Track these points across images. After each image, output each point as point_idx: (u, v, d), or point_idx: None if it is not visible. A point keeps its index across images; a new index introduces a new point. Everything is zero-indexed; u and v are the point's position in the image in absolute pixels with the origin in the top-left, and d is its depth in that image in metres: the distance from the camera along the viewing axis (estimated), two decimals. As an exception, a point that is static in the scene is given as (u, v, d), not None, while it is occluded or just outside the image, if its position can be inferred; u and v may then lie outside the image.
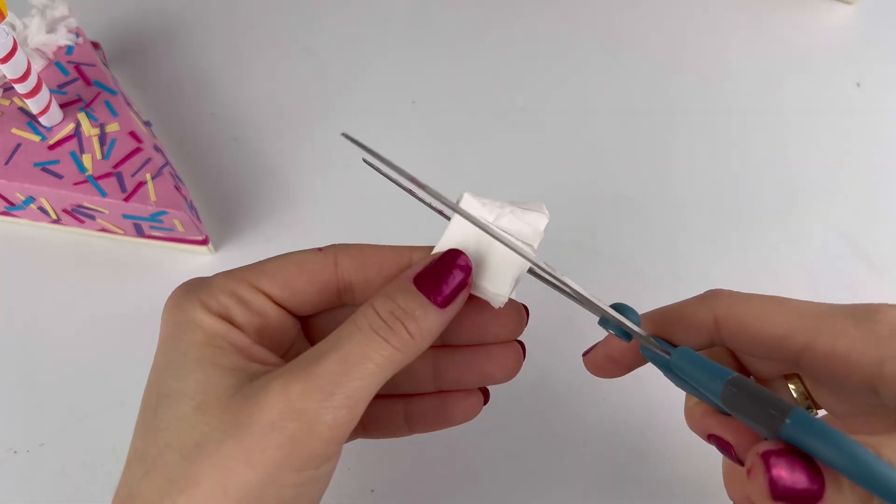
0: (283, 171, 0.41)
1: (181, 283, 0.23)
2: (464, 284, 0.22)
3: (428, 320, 0.21)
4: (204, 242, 0.37)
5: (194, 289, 0.22)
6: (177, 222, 0.35)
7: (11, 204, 0.37)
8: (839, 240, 0.38)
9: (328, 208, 0.40)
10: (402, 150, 0.42)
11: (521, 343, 0.25)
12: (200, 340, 0.21)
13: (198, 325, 0.21)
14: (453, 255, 0.22)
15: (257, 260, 0.39)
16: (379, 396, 0.25)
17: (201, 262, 0.38)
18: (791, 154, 0.41)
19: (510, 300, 0.23)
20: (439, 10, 0.47)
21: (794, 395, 0.24)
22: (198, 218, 0.37)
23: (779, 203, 0.40)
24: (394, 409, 0.26)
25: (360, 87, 0.44)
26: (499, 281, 0.22)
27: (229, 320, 0.22)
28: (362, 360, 0.20)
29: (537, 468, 0.32)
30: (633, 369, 0.26)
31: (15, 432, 0.34)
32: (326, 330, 0.25)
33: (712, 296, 0.23)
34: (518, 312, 0.25)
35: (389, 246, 0.23)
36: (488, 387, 0.26)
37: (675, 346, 0.22)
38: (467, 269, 0.22)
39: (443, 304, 0.21)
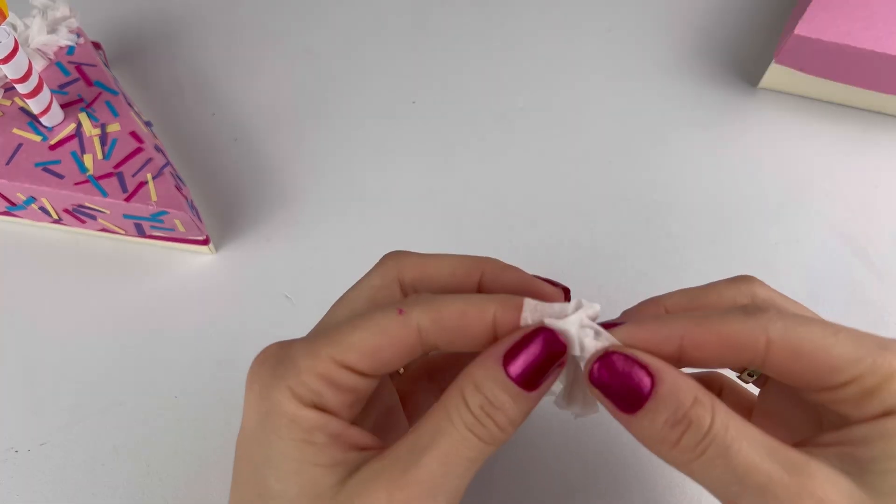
0: (283, 171, 0.41)
1: (260, 355, 0.22)
2: (560, 362, 0.20)
3: (518, 409, 0.20)
4: (205, 242, 0.37)
5: (280, 373, 0.21)
6: (178, 222, 0.36)
7: (12, 204, 0.37)
8: (839, 240, 0.38)
9: (328, 208, 0.40)
10: (403, 150, 0.42)
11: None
12: (299, 438, 0.20)
13: (293, 421, 0.20)
14: (547, 336, 0.20)
15: (254, 258, 0.39)
16: (448, 356, 0.26)
17: (202, 261, 0.38)
18: (791, 153, 0.41)
19: None
20: (439, 10, 0.47)
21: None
22: (198, 218, 0.37)
23: (779, 203, 0.40)
24: (464, 359, 0.25)
25: (360, 87, 0.44)
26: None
27: (323, 407, 0.21)
28: (460, 461, 0.20)
29: (538, 469, 0.33)
30: None
31: (16, 431, 0.34)
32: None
33: (763, 314, 0.20)
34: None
35: (468, 300, 0.21)
36: None
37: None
38: (562, 351, 0.20)
39: (532, 388, 0.20)
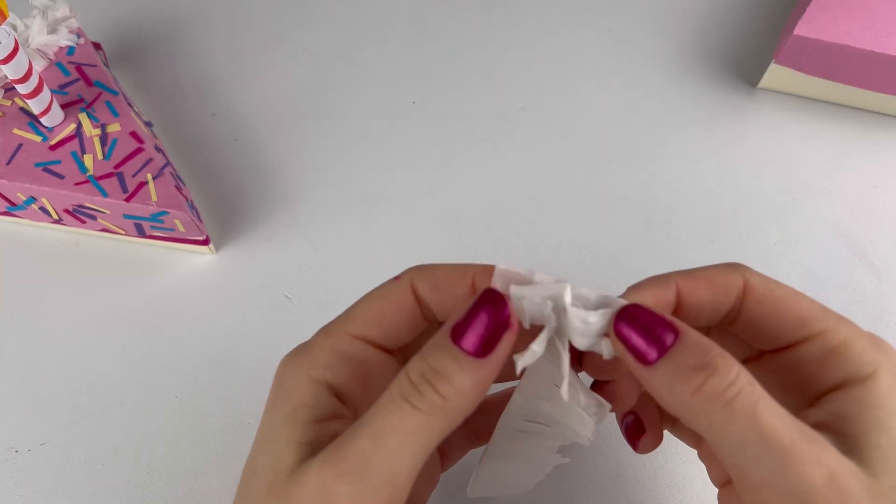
0: (283, 171, 0.41)
1: (289, 352, 0.23)
2: (505, 326, 0.20)
3: (464, 376, 0.19)
4: (205, 242, 0.37)
5: (299, 354, 0.22)
6: (178, 222, 0.36)
7: (13, 204, 0.37)
8: (839, 240, 0.38)
9: (328, 208, 0.40)
10: (403, 150, 0.42)
11: None
12: (286, 412, 0.21)
13: (289, 395, 0.21)
14: (489, 295, 0.20)
15: (254, 258, 0.39)
16: (492, 404, 0.26)
17: (202, 262, 0.38)
18: (791, 153, 0.41)
19: None
20: (439, 11, 0.47)
21: None
22: (199, 218, 0.37)
23: (779, 203, 0.40)
24: (499, 402, 0.26)
25: (360, 87, 0.44)
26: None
27: (334, 383, 0.21)
28: (393, 433, 0.19)
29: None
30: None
31: (16, 431, 0.34)
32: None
33: (742, 266, 0.22)
34: None
35: (454, 265, 0.23)
36: None
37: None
38: (504, 307, 0.20)
39: (482, 353, 0.19)
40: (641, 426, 0.26)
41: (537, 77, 0.44)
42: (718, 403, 0.18)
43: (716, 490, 0.25)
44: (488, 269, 0.22)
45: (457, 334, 0.20)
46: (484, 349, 0.19)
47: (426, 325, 0.24)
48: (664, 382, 0.19)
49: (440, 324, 0.23)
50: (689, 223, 0.39)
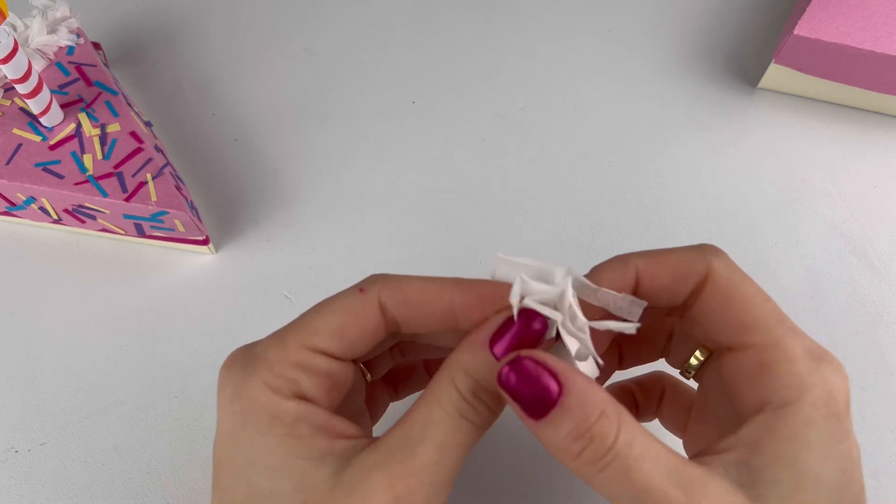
0: (283, 172, 0.41)
1: (227, 360, 0.22)
2: (541, 340, 0.20)
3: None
4: (205, 242, 0.37)
5: (251, 370, 0.21)
6: (177, 222, 0.36)
7: (12, 204, 0.37)
8: (839, 240, 0.38)
9: (328, 208, 0.40)
10: (403, 150, 0.42)
11: None
12: (281, 433, 0.20)
13: (274, 416, 0.20)
14: (526, 312, 0.20)
15: (254, 258, 0.39)
16: (403, 361, 0.27)
17: (202, 261, 0.38)
18: (790, 153, 0.41)
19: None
20: (439, 11, 0.47)
21: (693, 362, 0.25)
22: (198, 218, 0.37)
23: (778, 203, 0.40)
24: (417, 364, 0.27)
25: (360, 87, 0.44)
26: None
27: (302, 395, 0.21)
28: (455, 447, 0.20)
29: (539, 470, 0.33)
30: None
31: (16, 431, 0.34)
32: (370, 354, 0.25)
33: (711, 250, 0.22)
34: None
35: (427, 280, 0.22)
36: None
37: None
38: (543, 329, 0.20)
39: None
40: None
41: (537, 77, 0.44)
42: (596, 468, 0.19)
43: None
44: (466, 284, 0.22)
45: (494, 346, 0.20)
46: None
47: (385, 336, 0.23)
48: (546, 440, 0.20)
49: (401, 334, 0.23)
50: (689, 223, 0.39)
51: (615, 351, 0.27)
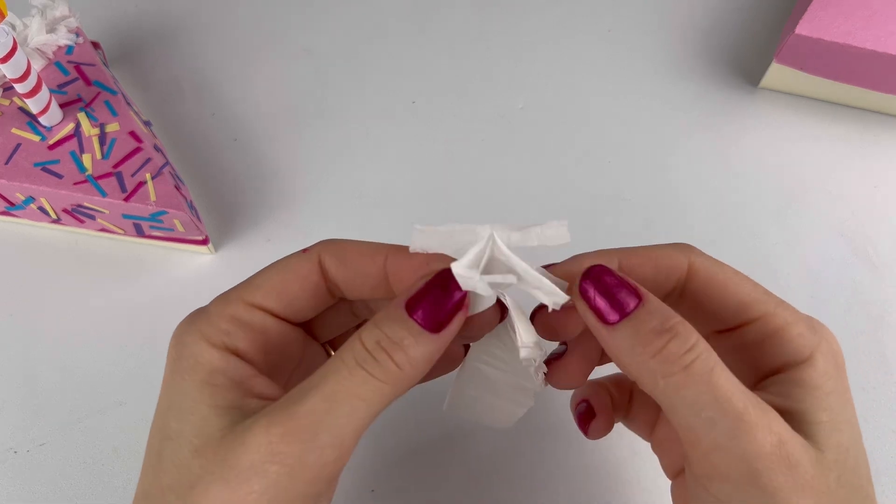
0: (283, 171, 0.41)
1: (183, 319, 0.22)
2: (459, 306, 0.21)
3: (419, 348, 0.20)
4: (204, 242, 0.37)
5: (195, 320, 0.22)
6: (177, 222, 0.35)
7: (11, 204, 0.37)
8: (839, 240, 0.38)
9: (328, 208, 0.40)
10: (403, 151, 0.42)
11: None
12: (200, 379, 0.21)
13: (197, 362, 0.21)
14: (445, 275, 0.21)
15: (254, 258, 0.39)
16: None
17: (201, 261, 0.38)
18: (791, 153, 0.41)
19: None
20: (439, 11, 0.47)
21: None
22: (198, 218, 0.37)
23: (779, 203, 0.40)
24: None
25: (360, 87, 0.44)
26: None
27: (233, 348, 0.21)
28: (347, 397, 0.19)
29: (539, 468, 0.32)
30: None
31: (15, 432, 0.34)
32: (331, 331, 0.26)
33: (687, 247, 0.23)
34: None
35: (367, 243, 0.23)
36: None
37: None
38: (458, 289, 0.21)
39: (436, 329, 0.20)
40: (592, 412, 0.27)
41: (537, 77, 0.44)
42: (678, 366, 0.19)
43: (669, 483, 0.26)
44: (401, 250, 0.22)
45: (411, 309, 0.20)
46: (438, 326, 0.20)
47: (331, 301, 0.24)
48: (625, 343, 0.20)
49: (346, 301, 0.24)
50: (689, 223, 0.39)
51: (596, 347, 0.26)
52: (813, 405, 0.20)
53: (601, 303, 0.20)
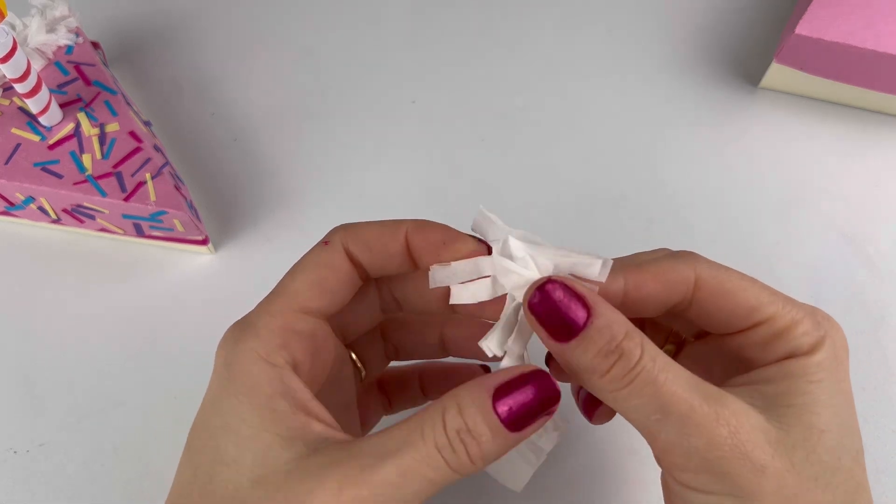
0: (283, 171, 0.41)
1: (226, 333, 0.22)
2: (549, 412, 0.20)
3: (494, 446, 0.20)
4: (204, 242, 0.37)
5: (241, 337, 0.21)
6: (177, 222, 0.35)
7: (11, 203, 0.37)
8: (839, 240, 0.38)
9: (328, 208, 0.40)
10: (403, 150, 0.42)
11: None
12: (260, 404, 0.20)
13: (255, 384, 0.20)
14: (545, 381, 0.20)
15: (254, 258, 0.39)
16: (399, 372, 0.27)
17: (201, 261, 0.38)
18: (791, 153, 0.41)
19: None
20: (439, 10, 0.47)
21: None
22: (198, 218, 0.37)
23: (779, 203, 0.40)
24: (412, 378, 0.27)
25: (360, 86, 0.44)
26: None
27: (291, 362, 0.21)
28: (419, 477, 0.19)
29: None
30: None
31: (15, 432, 0.34)
32: (357, 328, 0.26)
33: (692, 256, 0.23)
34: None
35: (382, 222, 0.23)
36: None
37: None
38: (556, 398, 0.20)
39: (516, 430, 0.20)
40: (596, 399, 0.26)
41: (538, 77, 0.44)
42: (623, 383, 0.20)
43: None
44: (418, 224, 0.22)
45: (497, 399, 0.20)
46: (518, 425, 0.20)
47: (359, 285, 0.24)
48: (574, 361, 0.21)
49: (374, 280, 0.24)
50: (689, 223, 0.39)
51: None
52: (788, 389, 0.21)
53: (551, 320, 0.20)
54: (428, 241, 0.22)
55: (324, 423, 0.21)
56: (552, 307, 0.20)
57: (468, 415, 0.20)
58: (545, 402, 0.20)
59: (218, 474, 0.20)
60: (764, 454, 0.19)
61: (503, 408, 0.20)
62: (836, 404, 0.21)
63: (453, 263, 0.22)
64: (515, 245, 0.21)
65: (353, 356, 0.27)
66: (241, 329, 0.22)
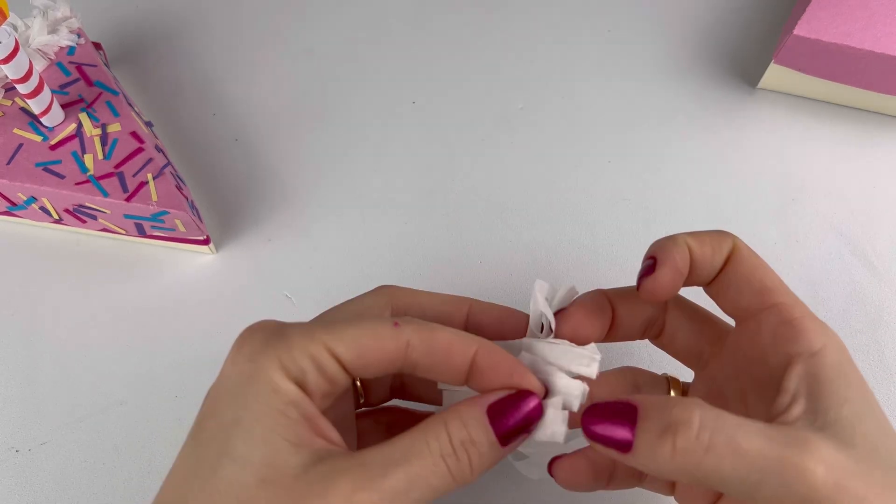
0: (283, 171, 0.41)
1: (255, 325, 0.22)
2: (528, 431, 0.22)
3: (489, 458, 0.21)
4: (205, 242, 0.37)
5: (273, 342, 0.21)
6: (178, 222, 0.36)
7: (13, 204, 0.37)
8: (839, 240, 0.38)
9: (328, 208, 0.40)
10: (403, 151, 0.42)
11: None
12: (275, 408, 0.20)
13: (275, 390, 0.21)
14: (529, 399, 0.22)
15: (255, 258, 0.39)
16: (414, 419, 0.27)
17: (203, 261, 0.38)
18: (790, 153, 0.41)
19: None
20: (440, 11, 0.47)
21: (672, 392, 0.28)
22: (199, 218, 0.37)
23: (778, 203, 0.40)
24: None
25: (360, 87, 0.44)
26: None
27: (303, 385, 0.21)
28: (423, 484, 0.20)
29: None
30: (615, 483, 0.26)
31: (16, 431, 0.34)
32: (374, 382, 0.27)
33: (730, 233, 0.25)
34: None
35: (457, 333, 0.23)
36: None
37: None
38: (538, 417, 0.22)
39: (504, 444, 0.22)
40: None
41: (537, 77, 0.45)
42: (699, 452, 0.19)
43: None
44: (492, 347, 0.23)
45: (491, 415, 0.22)
46: (507, 440, 0.22)
47: (399, 369, 0.23)
48: (646, 459, 0.20)
49: (413, 377, 0.25)
50: (689, 223, 0.39)
51: (608, 315, 0.27)
52: (833, 400, 0.21)
53: (609, 433, 0.21)
54: (496, 366, 0.23)
55: (329, 440, 0.21)
56: (605, 421, 0.21)
57: (471, 426, 0.21)
58: (529, 421, 0.22)
59: (223, 468, 0.20)
60: (856, 478, 0.19)
61: (497, 422, 0.21)
62: (870, 403, 0.21)
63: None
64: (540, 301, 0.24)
65: (358, 383, 0.28)
66: (276, 335, 0.22)
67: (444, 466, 0.21)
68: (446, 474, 0.21)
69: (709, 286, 0.25)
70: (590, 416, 0.21)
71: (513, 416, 0.22)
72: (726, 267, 0.24)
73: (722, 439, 0.19)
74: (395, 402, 0.29)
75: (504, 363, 0.23)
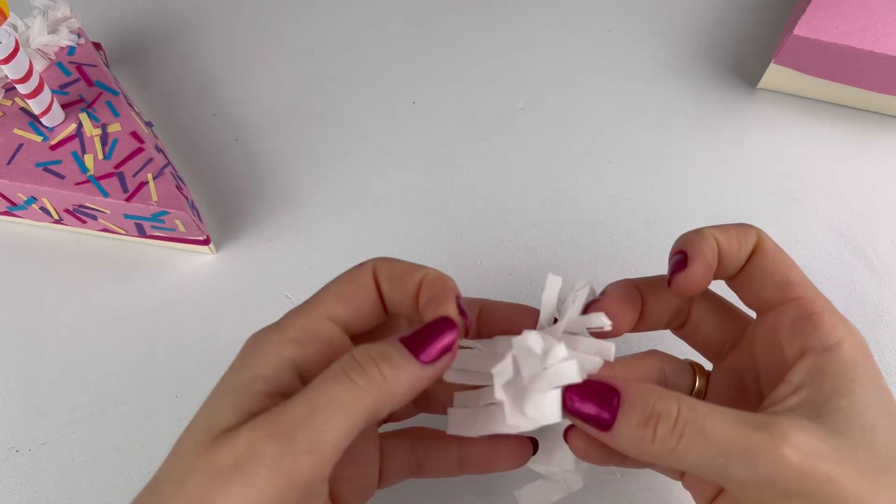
0: (283, 172, 0.41)
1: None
2: (448, 347, 0.22)
3: (404, 368, 0.21)
4: (205, 242, 0.37)
5: (267, 331, 0.23)
6: (178, 222, 0.36)
7: (13, 204, 0.37)
8: (839, 240, 0.38)
9: (328, 208, 0.40)
10: (403, 151, 0.42)
11: (532, 440, 0.27)
12: (240, 381, 0.22)
13: (246, 367, 0.22)
14: (444, 322, 0.22)
15: (255, 258, 0.39)
16: (436, 438, 0.27)
17: (203, 262, 0.38)
18: (790, 154, 0.41)
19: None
20: (439, 11, 0.47)
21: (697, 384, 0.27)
22: (199, 218, 0.37)
23: (777, 203, 0.40)
24: (448, 450, 0.27)
25: (360, 87, 0.44)
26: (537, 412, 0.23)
27: (300, 359, 0.22)
28: (327, 404, 0.20)
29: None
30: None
31: (16, 431, 0.34)
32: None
33: (755, 226, 0.25)
34: (525, 446, 0.26)
35: (413, 264, 0.24)
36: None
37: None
38: (454, 335, 0.22)
39: (424, 360, 0.22)
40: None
41: (537, 77, 0.45)
42: (674, 440, 0.21)
43: None
44: (438, 275, 0.24)
45: (406, 343, 0.22)
46: (427, 358, 0.22)
47: (384, 318, 0.25)
48: (624, 442, 0.22)
49: (394, 316, 0.26)
50: (688, 223, 0.39)
51: (639, 306, 0.27)
52: (833, 392, 0.21)
53: (591, 410, 0.22)
54: (435, 291, 0.23)
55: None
56: (591, 402, 0.22)
57: (378, 345, 0.21)
58: (449, 340, 0.22)
59: (180, 441, 0.21)
60: (830, 462, 0.20)
61: (411, 344, 0.22)
62: (879, 398, 0.22)
63: (469, 409, 0.25)
64: (534, 341, 0.23)
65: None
66: (270, 325, 0.24)
67: (347, 380, 0.20)
68: (352, 386, 0.20)
69: (732, 279, 0.25)
70: (572, 393, 0.22)
71: (426, 337, 0.22)
72: (750, 260, 0.24)
73: (693, 428, 0.20)
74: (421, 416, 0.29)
75: (442, 289, 0.23)
